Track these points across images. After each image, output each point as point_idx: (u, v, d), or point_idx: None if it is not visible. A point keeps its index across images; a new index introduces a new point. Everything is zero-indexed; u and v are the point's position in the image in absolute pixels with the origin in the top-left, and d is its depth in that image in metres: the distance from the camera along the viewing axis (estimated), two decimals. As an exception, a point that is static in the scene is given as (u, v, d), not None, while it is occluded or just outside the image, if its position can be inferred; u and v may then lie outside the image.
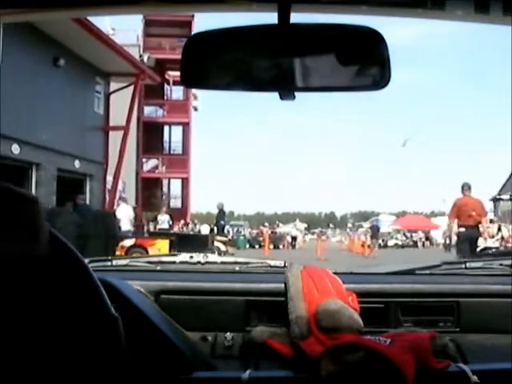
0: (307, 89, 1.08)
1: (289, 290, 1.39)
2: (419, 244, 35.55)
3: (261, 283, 1.56)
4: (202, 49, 1.06)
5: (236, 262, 1.92)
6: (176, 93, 32.42)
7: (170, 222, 18.23)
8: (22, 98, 12.78)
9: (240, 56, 1.06)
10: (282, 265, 1.82)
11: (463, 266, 1.82)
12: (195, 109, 32.11)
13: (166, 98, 31.69)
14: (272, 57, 1.05)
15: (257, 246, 29.88)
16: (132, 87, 18.03)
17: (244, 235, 32.05)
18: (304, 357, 1.28)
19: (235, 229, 33.24)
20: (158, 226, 17.80)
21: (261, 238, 30.68)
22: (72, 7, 1.14)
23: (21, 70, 12.85)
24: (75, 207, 13.33)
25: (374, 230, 29.04)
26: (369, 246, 23.36)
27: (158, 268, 1.86)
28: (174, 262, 1.95)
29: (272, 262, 1.87)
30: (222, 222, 17.82)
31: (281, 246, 29.84)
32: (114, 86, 18.89)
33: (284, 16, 1.01)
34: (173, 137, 33.35)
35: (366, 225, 41.56)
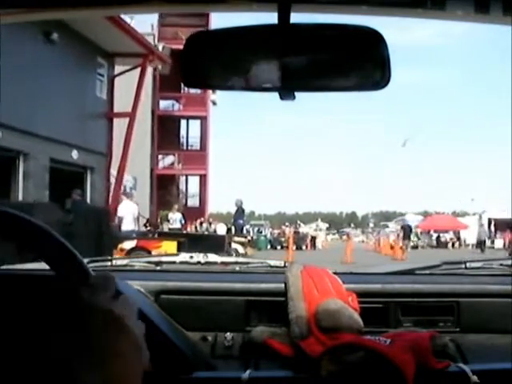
0: (307, 89, 1.08)
1: (289, 289, 1.39)
2: (449, 245, 35.38)
3: (261, 283, 1.56)
4: (202, 49, 1.06)
5: (236, 262, 1.92)
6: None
7: (183, 221, 16.99)
8: (5, 76, 10.31)
9: (240, 56, 1.06)
10: (282, 265, 1.82)
11: (463, 265, 1.82)
12: (214, 103, 30.96)
13: (182, 91, 29.57)
14: (272, 57, 1.05)
15: (278, 247, 28.38)
16: (139, 70, 15.88)
17: (265, 235, 30.61)
18: (304, 357, 1.28)
19: (256, 229, 32.10)
20: (170, 226, 16.63)
21: (283, 239, 29.19)
22: (72, 7, 1.14)
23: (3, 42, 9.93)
24: (72, 204, 11.64)
25: (407, 231, 26.88)
26: (401, 248, 21.56)
27: (158, 268, 1.86)
28: (174, 262, 1.95)
29: (272, 262, 1.87)
30: (241, 221, 16.31)
31: (303, 247, 28.59)
32: (119, 69, 16.84)
33: (284, 16, 1.01)
34: (190, 132, 32.19)
35: (392, 224, 41.15)
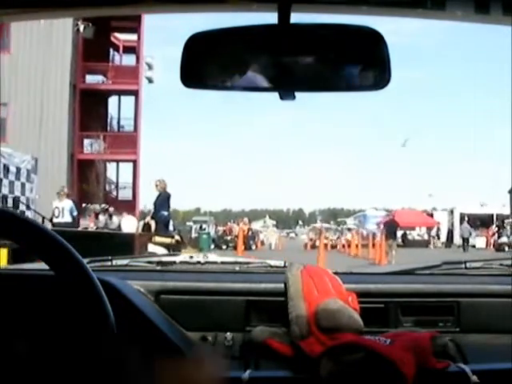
0: (307, 89, 1.08)
1: (289, 289, 1.39)
2: (430, 244, 32.23)
3: (261, 283, 1.56)
4: (201, 49, 1.06)
5: (236, 262, 1.92)
6: (128, 62, 26.02)
7: (75, 213, 12.33)
8: None
9: (240, 56, 1.06)
10: (282, 265, 1.82)
11: (463, 265, 1.82)
12: (149, 80, 25.97)
13: (111, 63, 25.73)
14: (272, 57, 1.05)
15: (224, 247, 24.50)
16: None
17: (208, 233, 25.21)
18: (304, 357, 1.28)
19: (198, 226, 27.81)
20: (55, 219, 11.76)
21: (229, 237, 25.43)
22: (72, 7, 1.14)
23: None
24: None
25: (391, 228, 18.85)
26: (386, 250, 16.50)
27: (158, 268, 1.86)
28: (174, 262, 1.95)
29: (272, 262, 1.87)
30: (165, 214, 10.96)
31: (253, 247, 24.85)
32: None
33: (284, 16, 1.01)
34: (122, 112, 26.53)
35: (350, 221, 37.23)
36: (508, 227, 28.90)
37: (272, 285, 1.52)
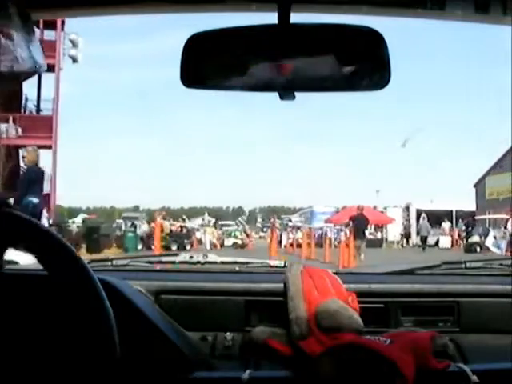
0: (307, 89, 1.08)
1: (289, 289, 1.39)
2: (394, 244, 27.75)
3: (261, 283, 1.56)
4: (201, 49, 1.06)
5: (236, 262, 1.92)
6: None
7: None
8: None
9: (240, 56, 1.06)
10: (282, 265, 1.82)
11: (463, 265, 1.82)
12: (74, 59, 22.76)
13: None
14: (272, 57, 1.05)
15: (154, 246, 20.57)
16: None
17: (134, 232, 21.69)
18: (304, 357, 1.28)
19: (130, 223, 24.14)
20: None
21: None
22: (72, 7, 1.14)
23: None
24: None
25: (360, 225, 15.31)
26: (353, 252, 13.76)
27: (158, 268, 1.86)
28: (173, 262, 1.95)
29: (272, 262, 1.87)
30: (34, 200, 7.52)
31: (188, 246, 21.76)
32: None
33: (284, 16, 1.01)
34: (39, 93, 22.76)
35: (296, 218, 33.12)
36: (480, 225, 25.97)
37: (272, 285, 1.52)
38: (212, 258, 1.96)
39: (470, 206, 31.14)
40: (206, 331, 1.46)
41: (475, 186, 32.73)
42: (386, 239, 28.54)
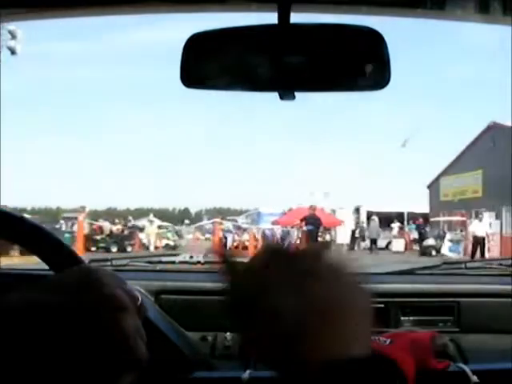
0: (307, 89, 1.08)
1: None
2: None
3: None
4: (201, 49, 1.06)
5: None
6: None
7: None
8: None
9: (240, 56, 1.06)
10: None
11: (463, 265, 1.82)
12: (12, 51, 20.78)
13: None
14: (272, 57, 1.05)
15: (93, 248, 19.92)
16: None
17: (70, 232, 20.17)
18: (304, 357, 1.28)
19: (69, 223, 23.06)
20: None
21: (99, 237, 21.31)
22: (72, 7, 1.14)
23: None
24: None
25: (314, 226, 14.09)
26: None
27: (158, 268, 1.86)
28: (173, 262, 1.95)
29: None
30: None
31: (129, 248, 20.64)
32: None
33: (284, 16, 1.01)
34: None
35: (242, 219, 31.62)
36: (436, 228, 25.27)
37: None
38: (212, 258, 1.96)
39: (424, 207, 29.89)
40: (206, 331, 1.46)
41: (429, 187, 31.33)
42: (335, 242, 26.21)
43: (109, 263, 1.80)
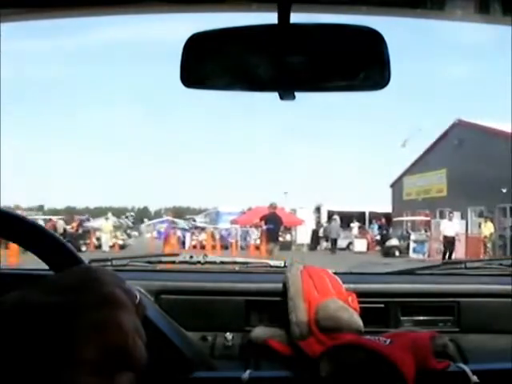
0: (307, 89, 1.08)
1: (288, 289, 1.39)
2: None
3: (261, 283, 1.56)
4: (201, 49, 1.06)
5: (236, 262, 1.92)
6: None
7: None
8: None
9: (240, 56, 1.06)
10: (282, 265, 1.82)
11: (463, 265, 1.82)
12: None
13: None
14: (272, 57, 1.05)
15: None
16: None
17: None
18: (304, 357, 1.28)
19: None
20: None
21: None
22: (72, 7, 1.14)
23: None
24: None
25: (274, 225, 12.35)
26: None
27: (158, 268, 1.86)
28: (173, 262, 1.95)
29: (272, 262, 1.87)
30: None
31: (84, 248, 19.91)
32: None
33: (284, 16, 1.01)
34: None
35: (200, 218, 31.45)
36: (399, 228, 24.78)
37: (272, 285, 1.52)
38: (212, 258, 1.95)
39: (387, 207, 29.07)
40: (206, 331, 1.46)
41: (392, 186, 30.17)
42: (295, 241, 26.11)
43: (109, 263, 1.80)
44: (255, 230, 14.68)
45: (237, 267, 1.86)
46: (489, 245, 18.52)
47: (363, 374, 1.22)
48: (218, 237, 19.43)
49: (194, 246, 20.21)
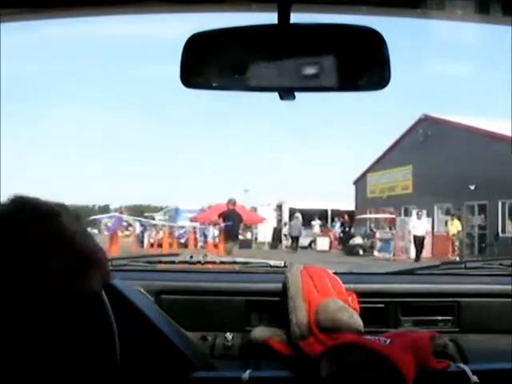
0: (307, 89, 1.08)
1: (289, 289, 1.39)
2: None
3: (261, 283, 1.56)
4: (201, 49, 1.06)
5: (235, 262, 1.92)
6: None
7: None
8: None
9: (240, 56, 1.06)
10: (282, 265, 1.82)
11: (463, 265, 1.82)
12: None
13: None
14: (272, 57, 1.05)
15: None
16: None
17: None
18: (304, 357, 1.28)
19: None
20: None
21: None
22: (72, 7, 1.14)
23: None
24: None
25: (233, 222, 11.50)
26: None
27: (158, 268, 1.86)
28: (173, 262, 1.95)
29: (272, 262, 1.87)
30: None
31: None
32: None
33: (284, 16, 1.01)
34: None
35: (159, 216, 30.24)
36: (363, 226, 24.01)
37: (272, 285, 1.52)
38: (212, 258, 1.95)
39: (350, 205, 27.86)
40: (206, 331, 1.46)
41: (355, 183, 28.76)
42: (256, 239, 25.76)
43: (109, 263, 1.80)
44: (213, 228, 13.95)
45: (237, 267, 1.86)
46: (457, 243, 17.50)
47: (363, 374, 1.22)
48: (176, 234, 18.73)
49: (152, 245, 19.26)
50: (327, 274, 1.45)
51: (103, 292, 0.94)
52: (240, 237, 20.60)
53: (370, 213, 25.24)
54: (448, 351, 1.36)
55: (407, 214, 22.15)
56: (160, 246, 18.23)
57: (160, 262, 1.93)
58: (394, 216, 22.22)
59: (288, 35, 1.03)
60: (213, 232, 13.95)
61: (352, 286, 1.47)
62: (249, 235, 25.68)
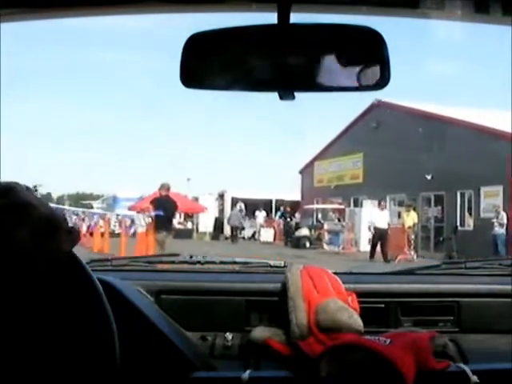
0: (307, 89, 1.08)
1: (288, 289, 1.39)
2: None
3: (261, 283, 1.56)
4: (201, 49, 1.06)
5: (236, 262, 1.92)
6: None
7: None
8: None
9: (240, 56, 1.06)
10: (282, 265, 1.82)
11: (463, 265, 1.82)
12: None
13: None
14: (272, 57, 1.05)
15: None
16: None
17: None
18: (304, 357, 1.28)
19: None
20: None
21: None
22: (72, 7, 1.14)
23: None
24: None
25: (165, 210, 10.00)
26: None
27: (158, 268, 1.86)
28: (173, 262, 1.95)
29: (272, 262, 1.87)
30: None
31: None
32: None
33: (284, 16, 1.01)
34: None
35: (98, 204, 30.88)
36: (310, 216, 22.92)
37: (272, 285, 1.52)
38: (212, 257, 1.95)
39: (296, 195, 26.42)
40: (206, 331, 1.46)
41: (301, 172, 26.94)
42: (197, 230, 24.77)
43: (109, 263, 1.80)
44: (143, 216, 12.36)
45: (237, 267, 1.86)
46: (413, 236, 15.97)
47: (363, 374, 1.22)
48: (112, 223, 18.61)
49: (91, 233, 18.45)
50: (327, 274, 1.45)
51: (102, 291, 0.94)
52: (180, 226, 20.71)
53: (318, 203, 24.14)
54: (448, 351, 1.36)
55: (357, 204, 20.86)
56: (91, 234, 17.73)
57: (160, 262, 1.93)
58: (343, 207, 21.15)
59: (288, 35, 1.03)
60: (143, 220, 12.31)
61: (352, 285, 1.47)
62: (189, 225, 24.96)
